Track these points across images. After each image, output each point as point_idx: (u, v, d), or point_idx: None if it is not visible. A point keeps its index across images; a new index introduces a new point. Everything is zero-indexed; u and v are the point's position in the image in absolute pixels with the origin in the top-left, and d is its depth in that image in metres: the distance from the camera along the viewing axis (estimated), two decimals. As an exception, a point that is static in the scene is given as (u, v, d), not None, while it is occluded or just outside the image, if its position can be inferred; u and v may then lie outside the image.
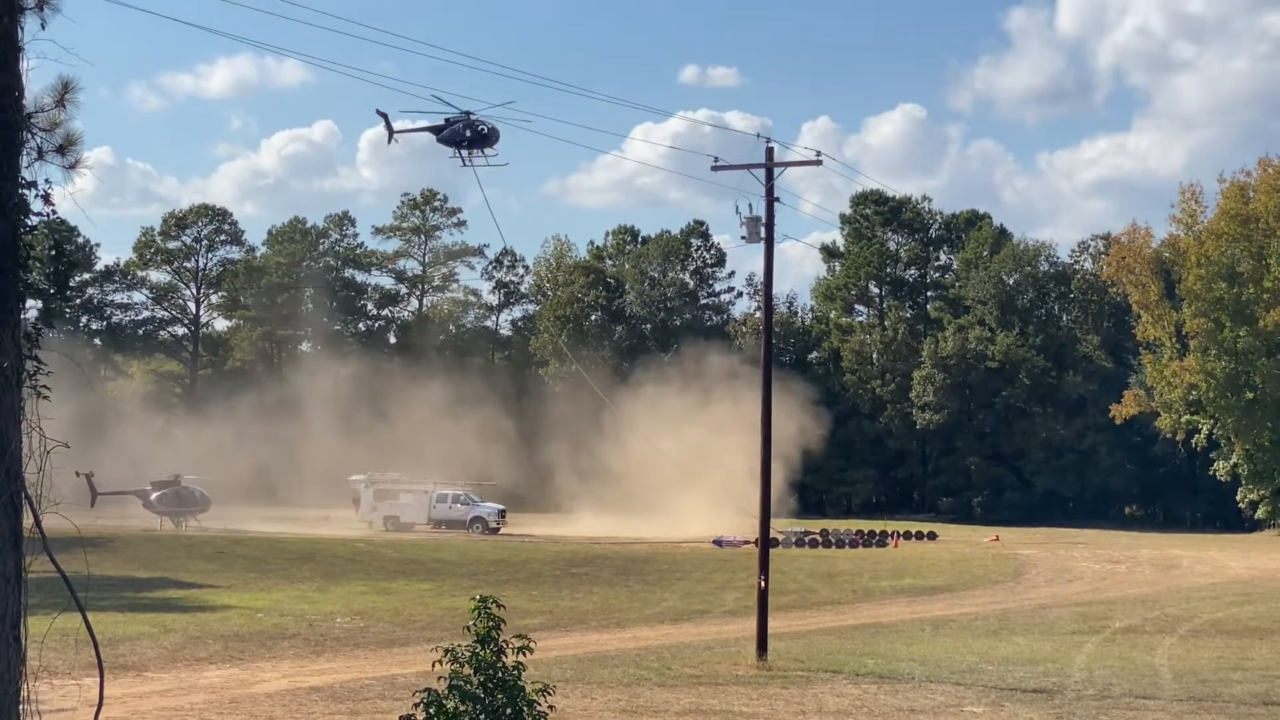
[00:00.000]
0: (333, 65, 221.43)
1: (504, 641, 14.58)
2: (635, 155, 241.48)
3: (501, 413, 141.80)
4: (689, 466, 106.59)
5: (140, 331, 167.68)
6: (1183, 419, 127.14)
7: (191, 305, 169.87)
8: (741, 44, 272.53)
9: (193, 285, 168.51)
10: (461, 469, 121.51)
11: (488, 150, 41.22)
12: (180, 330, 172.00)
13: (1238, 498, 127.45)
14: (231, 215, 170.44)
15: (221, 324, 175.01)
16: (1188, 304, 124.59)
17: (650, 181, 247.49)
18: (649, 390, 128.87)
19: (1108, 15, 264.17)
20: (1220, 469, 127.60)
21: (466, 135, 40.89)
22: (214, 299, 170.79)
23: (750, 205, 40.37)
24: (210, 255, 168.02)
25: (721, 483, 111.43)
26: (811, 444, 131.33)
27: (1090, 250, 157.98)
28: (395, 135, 42.99)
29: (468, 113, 40.72)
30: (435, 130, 41.17)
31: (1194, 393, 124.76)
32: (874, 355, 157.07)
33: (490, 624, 14.52)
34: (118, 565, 65.94)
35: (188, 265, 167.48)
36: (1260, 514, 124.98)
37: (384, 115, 42.42)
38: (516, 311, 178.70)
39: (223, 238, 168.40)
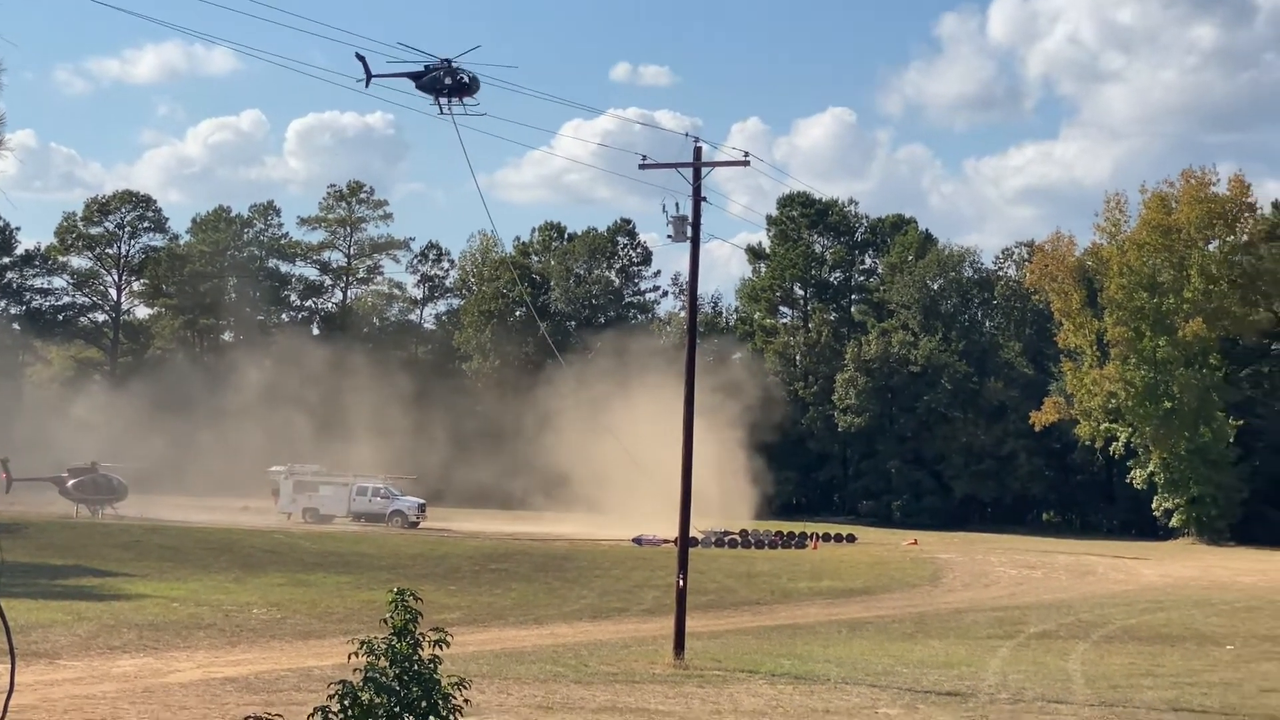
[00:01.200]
0: (262, 54, 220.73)
1: (421, 635, 14.58)
2: (564, 152, 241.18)
3: (423, 406, 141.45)
4: (647, 463, 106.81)
5: (60, 317, 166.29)
6: (1101, 427, 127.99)
7: (113, 292, 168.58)
8: (674, 43, 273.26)
9: (114, 272, 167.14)
10: (382, 462, 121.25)
11: (467, 99, 40.84)
12: (101, 317, 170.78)
13: (1153, 506, 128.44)
14: (155, 202, 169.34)
15: (143, 311, 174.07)
16: (1109, 313, 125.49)
17: (579, 179, 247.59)
18: (575, 386, 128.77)
19: (1039, 24, 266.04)
20: (1137, 477, 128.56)
21: (446, 83, 40.55)
22: (136, 286, 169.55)
23: (677, 204, 40.38)
24: (133, 242, 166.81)
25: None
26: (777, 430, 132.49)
27: (1014, 257, 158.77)
28: (373, 79, 42.50)
29: (448, 60, 40.42)
30: (414, 77, 40.75)
31: (1113, 401, 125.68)
32: (797, 357, 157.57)
33: (407, 617, 14.52)
34: (32, 552, 65.45)
35: (110, 251, 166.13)
36: (1175, 522, 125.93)
37: (362, 59, 41.95)
38: (441, 305, 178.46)
39: (146, 225, 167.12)
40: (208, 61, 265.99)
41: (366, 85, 42.23)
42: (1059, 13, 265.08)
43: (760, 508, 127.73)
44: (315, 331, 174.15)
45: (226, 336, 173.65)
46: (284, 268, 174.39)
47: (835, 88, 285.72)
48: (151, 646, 38.64)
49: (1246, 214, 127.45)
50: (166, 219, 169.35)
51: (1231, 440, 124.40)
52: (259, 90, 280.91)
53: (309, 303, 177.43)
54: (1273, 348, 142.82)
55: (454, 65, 40.35)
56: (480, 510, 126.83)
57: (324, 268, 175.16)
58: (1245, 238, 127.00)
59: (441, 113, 40.68)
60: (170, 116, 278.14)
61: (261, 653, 38.51)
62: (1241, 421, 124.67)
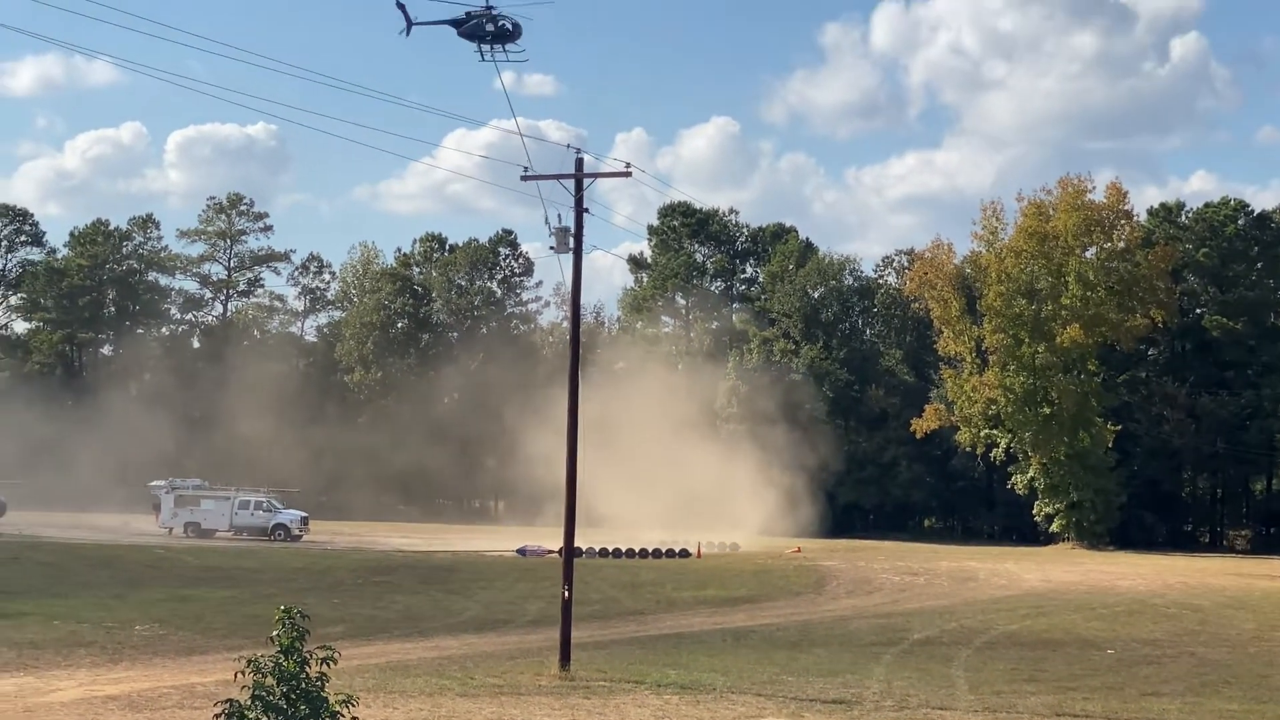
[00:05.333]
0: (142, 67, 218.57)
1: (308, 652, 14.52)
2: (448, 163, 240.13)
3: (306, 419, 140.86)
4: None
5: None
6: (981, 433, 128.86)
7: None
8: (560, 52, 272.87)
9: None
10: (265, 476, 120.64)
11: (510, 45, 40.64)
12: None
13: (1033, 511, 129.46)
14: (33, 216, 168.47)
15: (21, 326, 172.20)
16: (988, 320, 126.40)
17: (462, 189, 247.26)
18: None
19: (921, 32, 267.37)
20: (1018, 483, 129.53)
21: (488, 30, 40.33)
22: (14, 300, 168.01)
23: (559, 216, 40.34)
24: (10, 256, 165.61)
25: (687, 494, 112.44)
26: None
27: (894, 265, 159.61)
28: (413, 26, 42.17)
29: (489, 5, 40.21)
30: (456, 24, 40.53)
31: (993, 407, 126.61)
32: (679, 367, 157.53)
33: (294, 635, 14.46)
34: (-91, 571, 64.63)
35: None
36: (1055, 527, 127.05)
37: (402, 6, 41.76)
38: (322, 318, 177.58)
39: (23, 238, 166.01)
40: (88, 73, 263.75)
41: (407, 34, 41.98)
42: (941, 21, 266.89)
43: (811, 523, 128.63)
44: (196, 345, 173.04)
45: (106, 350, 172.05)
46: (163, 281, 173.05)
47: (720, 97, 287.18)
48: (31, 665, 38.22)
49: (1123, 221, 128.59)
50: (44, 232, 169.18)
51: (1110, 445, 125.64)
52: (139, 102, 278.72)
53: (189, 316, 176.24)
54: (1149, 353, 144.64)
55: (495, 12, 40.22)
56: (367, 523, 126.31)
57: (204, 280, 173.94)
58: (1122, 244, 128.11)
59: (483, 59, 40.55)
60: (49, 128, 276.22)
61: (144, 670, 38.17)
62: (1119, 427, 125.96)
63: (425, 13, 42.27)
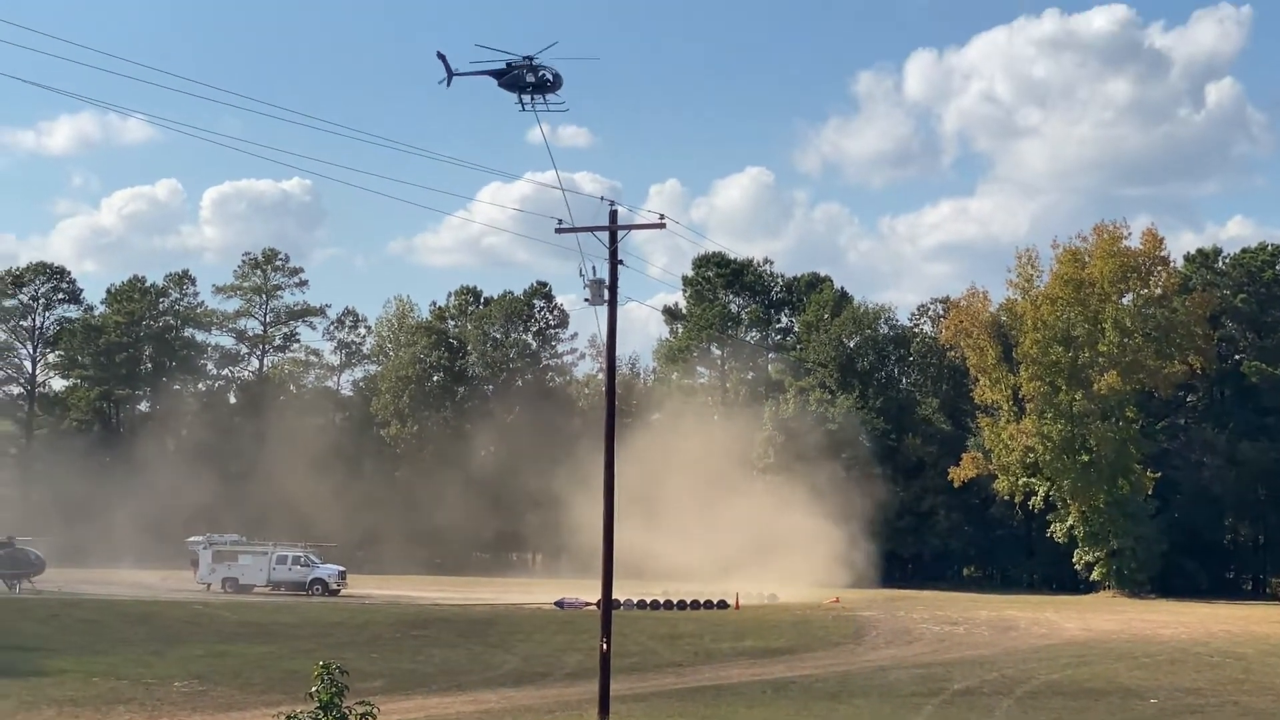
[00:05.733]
0: (177, 125, 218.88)
1: (347, 708, 14.43)
2: (482, 216, 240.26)
3: (343, 474, 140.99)
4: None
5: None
6: (1020, 481, 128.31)
7: (28, 364, 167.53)
8: (593, 104, 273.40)
9: (29, 344, 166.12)
10: (302, 530, 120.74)
11: (550, 96, 41.04)
12: (15, 389, 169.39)
13: (1073, 559, 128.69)
14: (70, 273, 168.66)
15: (58, 383, 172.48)
16: (1024, 368, 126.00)
17: (497, 242, 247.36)
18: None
19: (954, 81, 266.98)
20: (1057, 531, 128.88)
21: (528, 80, 40.71)
22: (51, 358, 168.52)
23: (594, 268, 40.37)
24: (48, 314, 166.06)
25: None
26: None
27: (930, 313, 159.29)
28: (454, 77, 42.52)
29: (529, 57, 40.57)
30: (497, 75, 40.91)
31: (1030, 455, 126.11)
32: (715, 417, 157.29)
33: (333, 690, 14.38)
34: (-52, 629, 64.69)
35: (24, 324, 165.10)
36: (1095, 575, 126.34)
37: (443, 57, 42.09)
38: (358, 372, 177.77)
39: (60, 296, 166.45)
40: (123, 131, 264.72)
41: (448, 84, 42.34)
42: (974, 69, 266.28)
43: (867, 573, 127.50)
44: (232, 400, 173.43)
45: (143, 407, 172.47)
46: (200, 336, 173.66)
47: (753, 147, 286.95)
48: (71, 723, 38.24)
49: (1159, 267, 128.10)
50: (81, 290, 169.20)
51: (1150, 493, 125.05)
52: (174, 159, 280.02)
53: (225, 371, 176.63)
54: (1188, 400, 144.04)
55: (536, 63, 40.54)
56: (404, 576, 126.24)
57: (240, 336, 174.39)
58: (1159, 291, 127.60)
59: (523, 109, 40.93)
60: (85, 187, 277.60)
61: (183, 727, 38.15)
62: (1159, 474, 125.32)
63: (466, 63, 42.49)
